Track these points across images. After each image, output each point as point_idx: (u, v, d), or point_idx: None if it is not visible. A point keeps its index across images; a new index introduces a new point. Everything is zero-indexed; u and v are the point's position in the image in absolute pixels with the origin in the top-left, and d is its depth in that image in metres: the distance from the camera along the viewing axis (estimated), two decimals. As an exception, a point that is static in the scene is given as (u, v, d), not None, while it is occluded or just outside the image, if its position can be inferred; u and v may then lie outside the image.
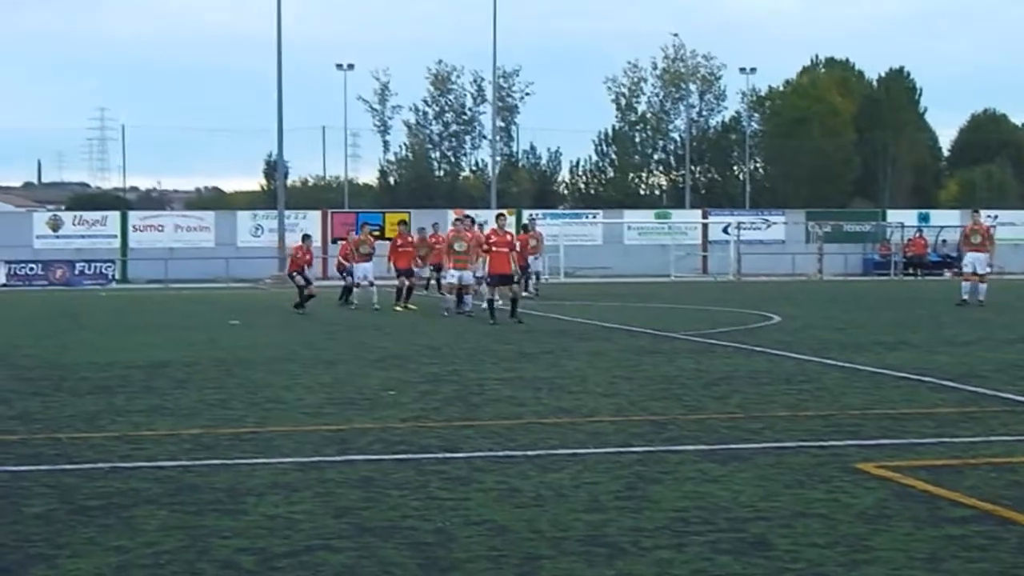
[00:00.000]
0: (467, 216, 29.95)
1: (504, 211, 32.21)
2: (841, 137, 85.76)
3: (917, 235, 59.95)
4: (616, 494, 7.67)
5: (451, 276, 27.00)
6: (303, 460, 8.95)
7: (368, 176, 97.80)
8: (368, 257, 30.33)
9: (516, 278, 25.26)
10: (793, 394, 12.61)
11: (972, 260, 29.63)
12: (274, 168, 69.50)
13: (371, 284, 30.05)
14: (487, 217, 39.39)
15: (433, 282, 33.22)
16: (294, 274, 29.60)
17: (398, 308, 28.88)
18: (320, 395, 12.76)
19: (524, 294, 25.36)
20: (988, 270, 29.60)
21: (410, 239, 32.13)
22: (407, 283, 29.87)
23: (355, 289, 30.53)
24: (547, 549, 6.37)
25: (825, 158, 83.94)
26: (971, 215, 31.66)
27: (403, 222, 34.71)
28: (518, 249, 27.18)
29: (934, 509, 7.19)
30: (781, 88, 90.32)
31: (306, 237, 31.83)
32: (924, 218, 64.49)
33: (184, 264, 55.13)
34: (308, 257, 30.15)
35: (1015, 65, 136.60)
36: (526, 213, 56.01)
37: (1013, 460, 8.81)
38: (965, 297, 28.86)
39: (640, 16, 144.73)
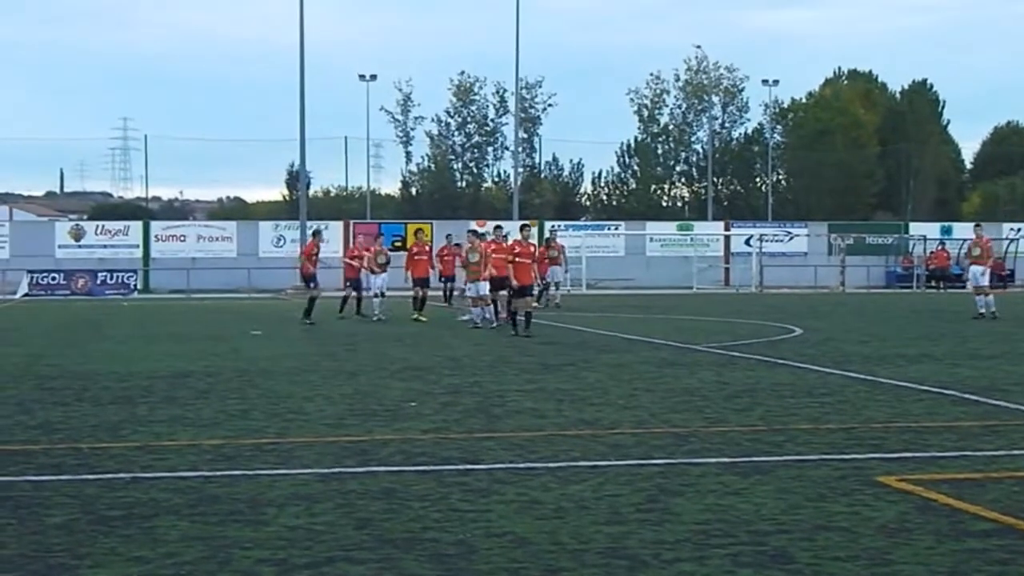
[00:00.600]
0: (498, 227, 29.95)
1: (528, 222, 32.27)
2: (864, 149, 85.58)
3: (940, 248, 59.71)
4: (637, 506, 7.66)
5: (470, 289, 27.04)
6: (324, 471, 8.96)
7: (390, 187, 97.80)
8: (384, 268, 30.30)
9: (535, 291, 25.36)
10: (815, 407, 12.58)
11: (972, 273, 30.42)
12: (296, 178, 69.54)
13: (383, 295, 30.03)
14: (510, 228, 39.39)
15: (455, 293, 33.29)
16: (311, 283, 29.58)
17: (421, 319, 28.87)
18: (341, 406, 12.78)
19: (535, 305, 25.36)
20: (984, 282, 29.73)
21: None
22: (423, 293, 29.88)
23: (375, 300, 30.50)
24: (568, 561, 6.36)
25: (848, 170, 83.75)
26: (973, 229, 31.86)
27: (420, 231, 34.70)
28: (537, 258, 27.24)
29: (956, 523, 7.17)
30: (804, 100, 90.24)
31: (317, 232, 31.87)
32: (947, 231, 64.22)
33: (206, 274, 55.26)
34: (318, 251, 30.23)
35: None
36: (548, 224, 55.98)
37: (1036, 474, 8.77)
38: (982, 311, 28.93)
39: (663, 28, 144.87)
